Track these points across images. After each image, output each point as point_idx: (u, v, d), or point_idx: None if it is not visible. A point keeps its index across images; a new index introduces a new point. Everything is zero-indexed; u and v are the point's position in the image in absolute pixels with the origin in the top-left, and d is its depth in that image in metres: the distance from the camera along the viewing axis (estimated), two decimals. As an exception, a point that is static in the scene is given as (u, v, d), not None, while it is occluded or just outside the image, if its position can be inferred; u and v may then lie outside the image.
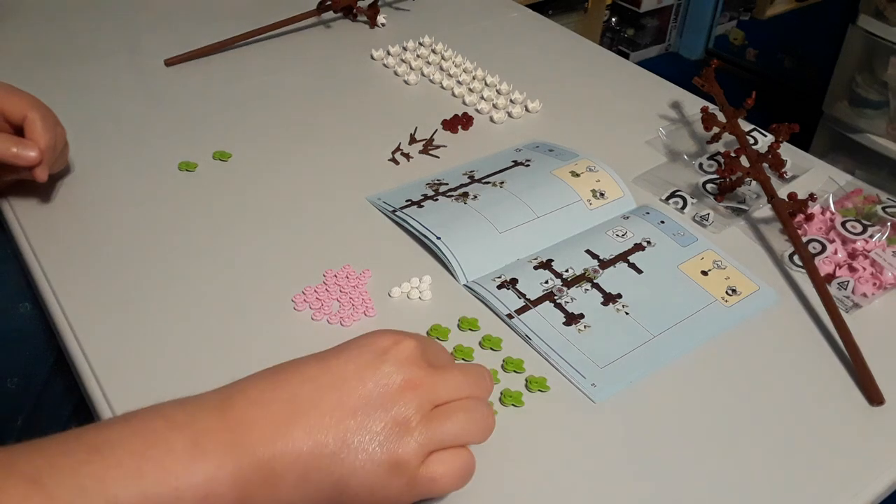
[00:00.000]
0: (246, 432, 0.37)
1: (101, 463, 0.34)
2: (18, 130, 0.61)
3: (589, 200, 0.67)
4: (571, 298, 0.58)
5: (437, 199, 0.66)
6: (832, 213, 0.67)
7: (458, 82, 0.85)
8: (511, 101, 0.83)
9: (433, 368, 0.41)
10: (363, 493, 0.38)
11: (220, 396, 0.39)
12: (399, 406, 0.39)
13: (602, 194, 0.68)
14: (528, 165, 0.71)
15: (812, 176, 0.74)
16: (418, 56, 0.89)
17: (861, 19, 1.69)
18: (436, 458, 0.40)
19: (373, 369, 0.39)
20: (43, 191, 0.66)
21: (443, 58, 0.89)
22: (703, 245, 0.64)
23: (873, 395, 0.52)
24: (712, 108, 0.76)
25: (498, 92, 0.84)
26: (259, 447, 0.37)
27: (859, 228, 0.64)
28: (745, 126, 0.78)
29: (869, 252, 0.63)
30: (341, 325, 0.56)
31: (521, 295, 0.58)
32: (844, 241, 0.64)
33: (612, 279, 0.60)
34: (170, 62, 0.86)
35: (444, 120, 0.79)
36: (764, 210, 0.69)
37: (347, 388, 0.39)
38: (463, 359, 0.54)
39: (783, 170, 0.72)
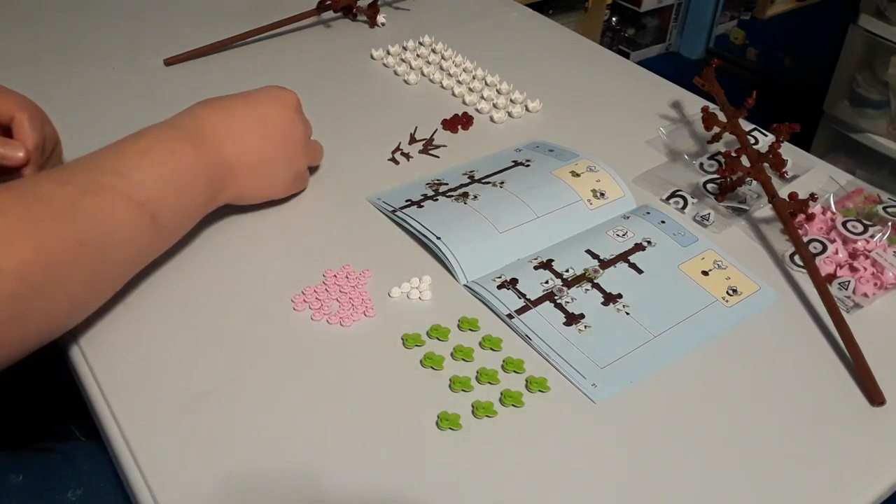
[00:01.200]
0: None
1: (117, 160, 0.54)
2: (6, 131, 0.61)
3: (589, 200, 0.67)
4: (572, 298, 0.58)
5: (437, 199, 0.66)
6: (833, 213, 0.67)
7: (458, 82, 0.85)
8: (511, 100, 0.83)
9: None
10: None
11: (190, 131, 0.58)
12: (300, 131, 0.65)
13: (602, 194, 0.68)
14: (528, 165, 0.71)
15: (813, 176, 0.74)
16: (418, 56, 0.89)
17: (862, 19, 1.68)
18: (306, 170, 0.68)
19: (286, 115, 0.63)
20: (42, 191, 0.66)
21: (443, 57, 0.89)
22: (703, 245, 0.64)
23: (874, 396, 0.52)
24: (713, 107, 0.76)
25: (498, 91, 0.84)
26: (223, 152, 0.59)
27: (860, 228, 0.64)
28: (746, 126, 0.78)
29: (870, 252, 0.63)
30: (341, 325, 0.56)
31: (522, 295, 0.58)
32: (845, 241, 0.64)
33: (612, 279, 0.60)
34: (169, 62, 0.85)
35: (444, 120, 0.78)
36: (765, 210, 0.69)
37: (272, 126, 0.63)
38: (463, 359, 0.54)
39: (784, 169, 0.72)
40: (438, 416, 0.49)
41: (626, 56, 2.40)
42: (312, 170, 0.71)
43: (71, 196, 0.49)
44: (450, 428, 0.49)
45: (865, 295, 0.60)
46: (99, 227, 0.50)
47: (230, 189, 0.60)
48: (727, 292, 0.60)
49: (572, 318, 0.57)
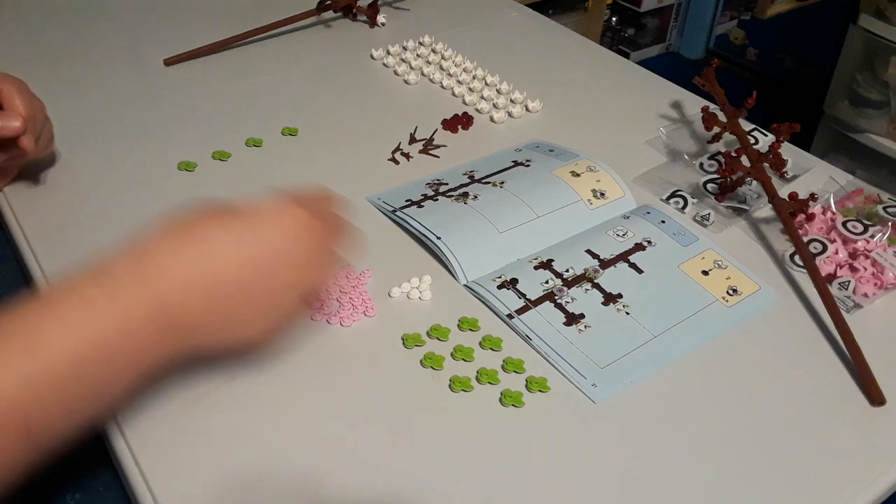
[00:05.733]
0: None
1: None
2: None
3: (589, 200, 0.67)
4: (572, 298, 0.58)
5: (437, 199, 0.66)
6: (833, 213, 0.67)
7: (458, 82, 0.85)
8: (511, 100, 0.83)
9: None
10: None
11: (137, 277, 0.43)
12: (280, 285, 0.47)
13: (602, 194, 0.68)
14: (528, 165, 0.71)
15: (813, 176, 0.74)
16: (418, 56, 0.89)
17: (862, 19, 1.68)
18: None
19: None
20: (42, 190, 0.66)
21: (443, 57, 0.89)
22: (703, 245, 0.64)
23: (874, 396, 0.52)
24: (713, 107, 0.76)
25: (498, 91, 0.84)
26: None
27: (860, 228, 0.64)
28: (746, 126, 0.78)
29: (870, 252, 0.63)
30: (341, 325, 0.56)
31: (522, 295, 0.58)
32: (845, 241, 0.64)
33: (612, 279, 0.60)
34: (169, 62, 0.85)
35: (444, 120, 0.78)
36: (765, 210, 0.69)
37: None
38: (463, 359, 0.54)
39: (784, 169, 0.72)
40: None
41: (626, 56, 2.40)
42: (312, 170, 0.71)
43: None
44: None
45: (865, 295, 0.60)
46: None
47: (181, 335, 0.45)
48: (727, 292, 0.60)
49: (572, 318, 0.57)
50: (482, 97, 0.82)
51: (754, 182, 0.70)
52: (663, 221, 0.66)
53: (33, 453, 0.39)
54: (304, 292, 0.49)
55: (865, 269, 0.61)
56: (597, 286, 0.59)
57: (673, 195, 0.70)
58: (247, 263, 0.45)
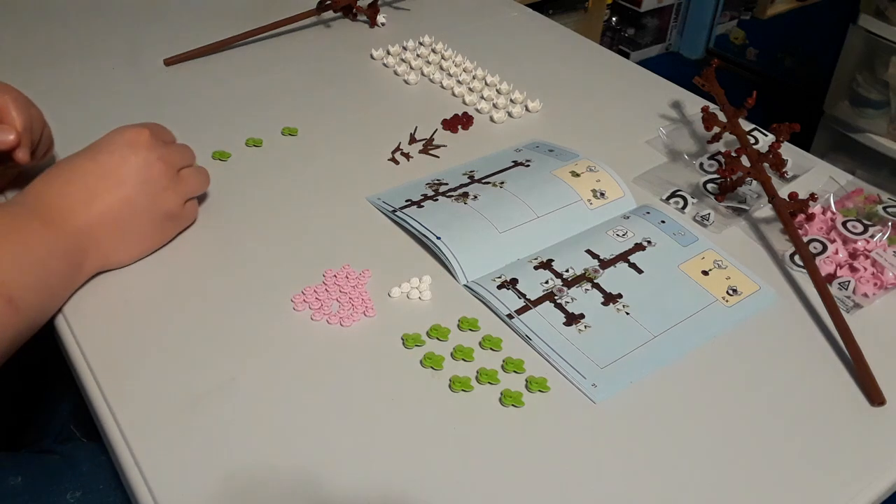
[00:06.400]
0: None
1: None
2: None
3: (589, 200, 0.67)
4: (572, 298, 0.58)
5: (437, 199, 0.66)
6: (833, 213, 0.67)
7: (458, 82, 0.85)
8: (511, 100, 0.83)
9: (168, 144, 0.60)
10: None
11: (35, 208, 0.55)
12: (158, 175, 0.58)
13: (602, 194, 0.68)
14: (528, 165, 0.71)
15: (813, 176, 0.74)
16: (418, 55, 0.89)
17: (862, 19, 1.69)
18: (189, 203, 0.62)
19: (136, 158, 0.57)
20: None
21: (443, 57, 0.89)
22: (703, 245, 0.64)
23: (874, 396, 0.52)
24: (713, 107, 0.76)
25: (498, 91, 0.84)
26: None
27: (860, 228, 0.64)
28: (746, 126, 0.78)
29: (870, 252, 0.63)
30: (341, 325, 0.56)
31: (522, 295, 0.58)
32: (845, 241, 0.64)
33: (612, 279, 0.60)
34: (169, 62, 0.85)
35: (444, 120, 0.78)
36: (765, 210, 0.69)
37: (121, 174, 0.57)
38: (463, 359, 0.54)
39: (784, 169, 0.72)
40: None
41: (626, 56, 2.40)
42: (312, 170, 0.71)
43: None
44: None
45: (865, 295, 0.60)
46: None
47: (94, 256, 0.56)
48: (727, 292, 0.60)
49: (572, 318, 0.57)
50: (482, 97, 0.82)
51: (754, 182, 0.70)
52: (663, 221, 0.66)
53: (19, 320, 0.50)
54: (182, 189, 0.60)
55: (865, 269, 0.61)
56: (597, 286, 0.59)
57: (673, 195, 0.70)
58: (129, 185, 0.57)
